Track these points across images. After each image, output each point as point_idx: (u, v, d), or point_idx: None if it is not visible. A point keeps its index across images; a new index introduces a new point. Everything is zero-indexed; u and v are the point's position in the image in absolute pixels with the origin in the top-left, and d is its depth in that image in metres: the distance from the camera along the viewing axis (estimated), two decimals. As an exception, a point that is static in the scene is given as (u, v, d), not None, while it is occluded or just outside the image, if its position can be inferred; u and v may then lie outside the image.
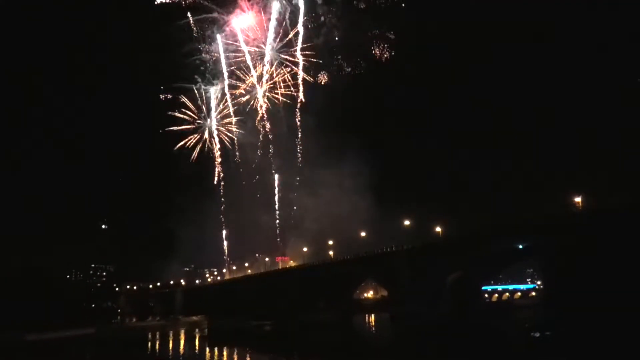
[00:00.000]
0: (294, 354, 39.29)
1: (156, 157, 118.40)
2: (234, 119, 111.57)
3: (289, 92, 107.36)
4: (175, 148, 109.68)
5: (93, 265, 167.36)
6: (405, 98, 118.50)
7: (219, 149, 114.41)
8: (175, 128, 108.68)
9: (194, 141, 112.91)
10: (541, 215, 63.44)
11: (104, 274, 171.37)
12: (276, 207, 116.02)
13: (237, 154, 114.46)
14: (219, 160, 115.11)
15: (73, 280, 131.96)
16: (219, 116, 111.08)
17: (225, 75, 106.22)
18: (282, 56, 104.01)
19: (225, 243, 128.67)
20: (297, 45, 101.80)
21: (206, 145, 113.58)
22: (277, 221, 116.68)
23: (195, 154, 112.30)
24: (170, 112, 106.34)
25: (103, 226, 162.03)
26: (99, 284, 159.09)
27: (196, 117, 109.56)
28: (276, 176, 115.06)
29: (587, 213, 56.05)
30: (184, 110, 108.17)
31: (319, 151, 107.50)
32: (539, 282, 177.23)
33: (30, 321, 68.19)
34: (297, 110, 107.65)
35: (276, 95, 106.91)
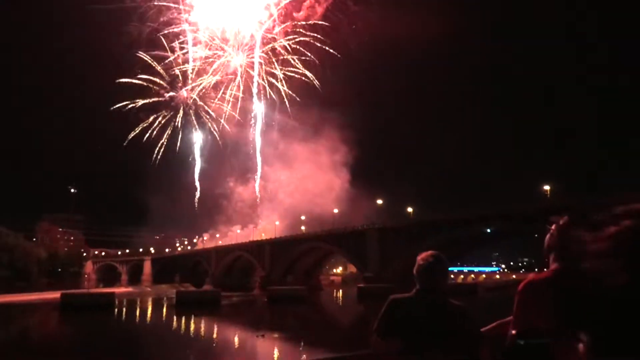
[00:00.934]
0: (261, 326, 39.57)
1: (128, 126, 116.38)
2: (212, 93, 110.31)
3: (270, 69, 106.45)
4: (144, 125, 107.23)
5: (60, 230, 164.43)
6: (388, 81, 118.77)
7: (194, 123, 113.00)
8: (143, 101, 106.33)
9: (167, 117, 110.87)
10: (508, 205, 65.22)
11: (72, 238, 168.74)
12: (256, 177, 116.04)
13: (213, 125, 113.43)
14: (195, 133, 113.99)
15: (39, 244, 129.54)
16: (197, 87, 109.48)
17: (204, 45, 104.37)
18: (264, 33, 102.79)
19: (197, 213, 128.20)
20: (278, 21, 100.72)
21: (179, 119, 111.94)
22: (257, 193, 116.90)
23: (169, 130, 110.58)
24: (139, 81, 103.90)
25: (72, 190, 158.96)
26: (66, 249, 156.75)
27: (169, 88, 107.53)
28: (257, 148, 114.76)
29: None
30: (157, 81, 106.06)
31: (297, 126, 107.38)
32: (503, 266, 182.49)
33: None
34: (277, 84, 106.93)
35: (258, 69, 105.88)
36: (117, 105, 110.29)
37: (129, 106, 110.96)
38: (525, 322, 2.60)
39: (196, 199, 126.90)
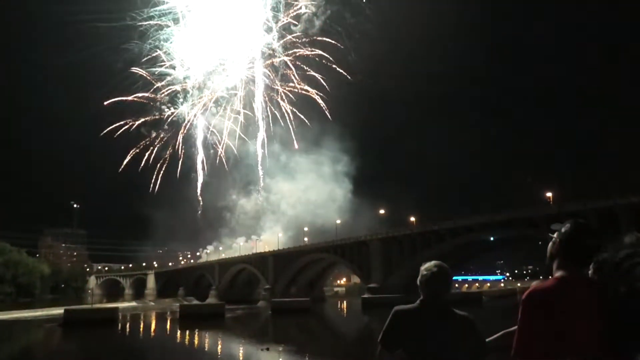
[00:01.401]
0: (266, 339, 39.40)
1: (130, 142, 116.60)
2: (214, 108, 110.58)
3: (270, 84, 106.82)
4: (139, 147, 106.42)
5: (64, 245, 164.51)
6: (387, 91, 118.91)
7: (196, 139, 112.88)
8: (144, 118, 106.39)
9: (169, 133, 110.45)
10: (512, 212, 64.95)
11: (75, 254, 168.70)
12: (259, 189, 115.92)
13: (215, 140, 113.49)
14: (197, 148, 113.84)
15: (42, 260, 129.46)
16: (198, 103, 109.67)
17: (204, 61, 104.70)
18: (264, 47, 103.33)
19: (200, 226, 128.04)
20: (277, 35, 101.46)
21: (180, 135, 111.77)
22: (259, 205, 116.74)
23: (170, 148, 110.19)
24: (138, 99, 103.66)
25: (75, 205, 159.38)
26: (69, 264, 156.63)
27: (170, 105, 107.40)
28: (258, 161, 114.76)
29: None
30: (158, 97, 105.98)
31: (299, 137, 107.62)
32: (507, 274, 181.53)
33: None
34: (278, 97, 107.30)
35: (258, 83, 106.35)
36: (119, 124, 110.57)
37: (130, 123, 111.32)
38: (531, 332, 2.57)
39: (199, 213, 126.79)
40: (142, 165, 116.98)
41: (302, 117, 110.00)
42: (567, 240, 2.73)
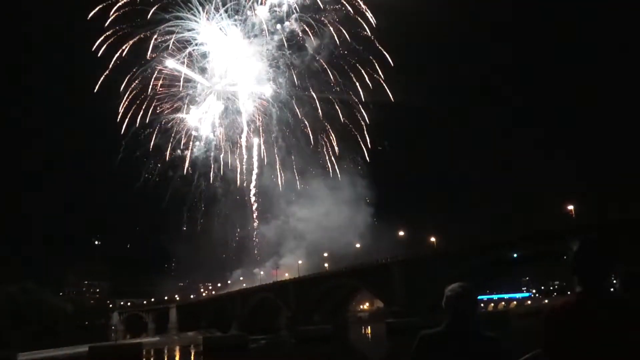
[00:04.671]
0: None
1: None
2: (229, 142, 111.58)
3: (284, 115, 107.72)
4: None
5: (86, 282, 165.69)
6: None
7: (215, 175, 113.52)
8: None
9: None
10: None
11: (97, 290, 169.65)
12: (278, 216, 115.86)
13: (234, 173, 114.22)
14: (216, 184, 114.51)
15: (66, 298, 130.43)
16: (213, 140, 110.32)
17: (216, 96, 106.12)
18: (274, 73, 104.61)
19: (220, 256, 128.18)
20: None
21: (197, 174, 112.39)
22: (278, 232, 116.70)
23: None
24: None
25: (96, 242, 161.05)
26: (92, 301, 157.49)
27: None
28: (279, 185, 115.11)
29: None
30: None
31: (316, 162, 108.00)
32: (534, 291, 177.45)
33: (22, 340, 67.38)
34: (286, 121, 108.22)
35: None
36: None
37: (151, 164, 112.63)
38: (558, 352, 2.52)
39: (225, 244, 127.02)
40: (161, 198, 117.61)
41: (317, 141, 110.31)
42: (576, 258, 2.72)
